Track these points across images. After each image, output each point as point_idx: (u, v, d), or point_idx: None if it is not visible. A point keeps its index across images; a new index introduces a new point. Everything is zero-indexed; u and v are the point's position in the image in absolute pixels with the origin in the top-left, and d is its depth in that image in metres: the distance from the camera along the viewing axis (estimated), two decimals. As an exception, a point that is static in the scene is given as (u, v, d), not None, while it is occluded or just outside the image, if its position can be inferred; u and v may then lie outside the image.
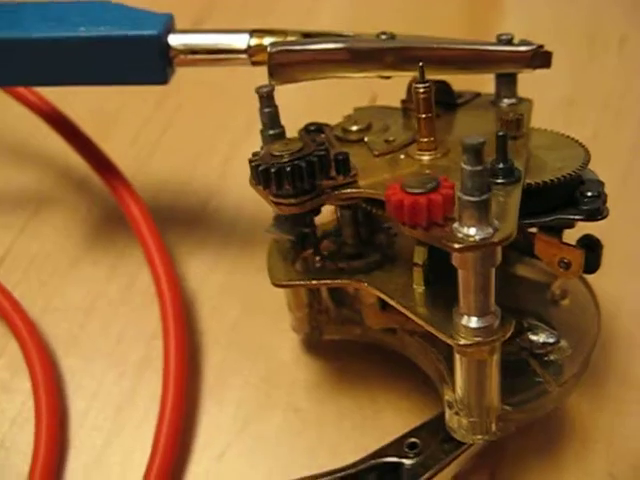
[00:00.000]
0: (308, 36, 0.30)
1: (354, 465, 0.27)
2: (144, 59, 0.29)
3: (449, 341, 0.23)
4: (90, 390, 0.32)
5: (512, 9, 0.48)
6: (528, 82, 0.30)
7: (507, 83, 0.30)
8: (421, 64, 0.25)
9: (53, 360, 0.32)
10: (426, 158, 0.27)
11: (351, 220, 0.28)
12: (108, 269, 0.35)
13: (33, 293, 0.34)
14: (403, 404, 0.30)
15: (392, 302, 0.26)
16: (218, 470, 0.29)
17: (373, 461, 0.27)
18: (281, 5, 0.48)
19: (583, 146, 0.28)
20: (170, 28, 0.30)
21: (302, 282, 0.27)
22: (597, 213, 0.26)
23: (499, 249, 0.22)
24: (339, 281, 0.27)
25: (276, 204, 0.25)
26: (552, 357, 0.27)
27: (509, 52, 0.29)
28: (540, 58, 0.29)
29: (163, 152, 0.41)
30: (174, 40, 0.29)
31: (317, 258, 0.28)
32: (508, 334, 0.24)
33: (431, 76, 0.29)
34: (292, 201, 0.25)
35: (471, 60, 0.29)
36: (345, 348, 0.32)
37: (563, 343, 0.28)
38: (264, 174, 0.24)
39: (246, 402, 0.31)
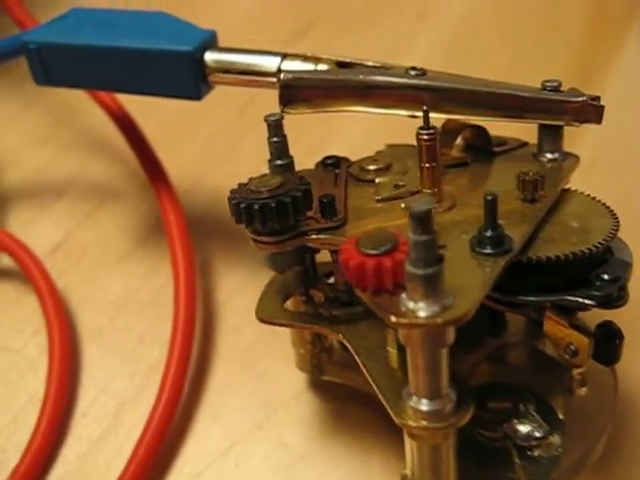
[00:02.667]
0: (342, 65, 0.28)
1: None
2: (179, 74, 0.29)
3: (396, 421, 0.22)
4: (101, 382, 0.33)
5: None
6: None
7: (551, 135, 0.27)
8: (425, 108, 0.23)
9: (76, 347, 0.34)
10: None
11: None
12: (149, 269, 0.37)
13: (77, 281, 0.36)
14: (394, 458, 0.29)
15: (357, 360, 0.24)
16: (191, 491, 0.29)
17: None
18: (385, 23, 0.47)
19: (615, 217, 0.24)
20: (209, 45, 0.30)
21: (283, 321, 0.26)
22: (609, 300, 0.23)
23: (452, 329, 0.20)
24: (317, 327, 0.26)
25: (255, 242, 0.24)
26: (536, 453, 0.24)
27: (553, 101, 0.26)
28: (590, 112, 0.26)
29: (226, 162, 0.41)
30: (210, 57, 0.29)
31: (303, 299, 0.27)
32: (464, 421, 0.21)
33: (462, 119, 0.27)
34: (270, 239, 0.24)
35: (507, 106, 0.26)
36: (348, 391, 0.31)
37: (553, 439, 0.25)
38: (246, 211, 0.24)
39: (238, 426, 0.31)
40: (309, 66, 0.28)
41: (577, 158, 0.27)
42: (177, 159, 0.38)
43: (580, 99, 0.26)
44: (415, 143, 0.27)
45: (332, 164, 0.28)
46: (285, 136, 0.26)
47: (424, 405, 0.21)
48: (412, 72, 0.27)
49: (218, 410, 0.31)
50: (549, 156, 0.27)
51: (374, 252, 0.20)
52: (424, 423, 0.21)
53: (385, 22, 0.47)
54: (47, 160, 0.42)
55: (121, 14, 0.32)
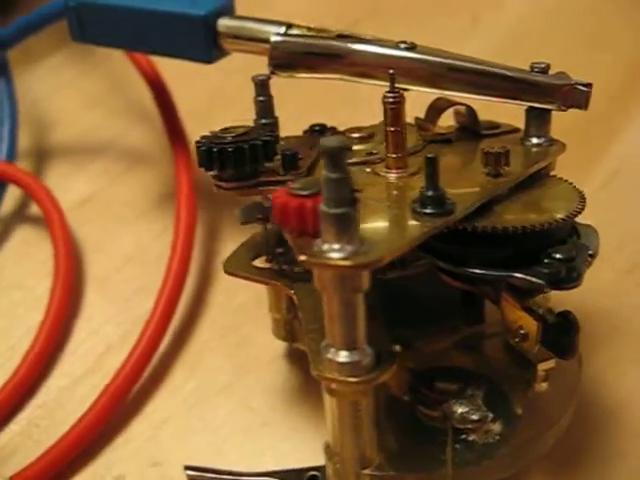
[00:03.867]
0: (341, 37, 0.29)
1: (249, 474, 0.27)
2: (193, 36, 0.31)
3: (313, 374, 0.21)
4: (95, 325, 0.34)
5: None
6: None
7: (537, 119, 0.26)
8: (392, 72, 0.23)
9: (78, 292, 0.35)
10: (392, 176, 0.24)
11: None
12: (161, 228, 0.38)
13: (94, 233, 0.38)
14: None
15: (300, 317, 0.24)
16: (153, 435, 0.30)
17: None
18: (439, 20, 0.47)
19: (582, 201, 0.23)
20: (224, 12, 0.31)
21: (245, 274, 0.27)
22: (556, 280, 0.22)
23: (365, 274, 0.20)
24: (273, 282, 0.26)
25: (216, 187, 0.25)
26: (471, 437, 0.23)
27: (538, 83, 0.25)
28: (576, 97, 0.25)
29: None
30: (222, 23, 0.31)
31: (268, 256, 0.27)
32: (382, 378, 0.21)
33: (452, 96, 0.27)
34: (229, 185, 0.25)
35: (492, 85, 0.26)
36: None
37: (493, 426, 0.24)
38: (206, 154, 0.24)
39: (209, 384, 0.31)
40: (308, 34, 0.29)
41: (563, 145, 0.26)
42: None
43: (566, 82, 0.25)
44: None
45: (318, 131, 0.28)
46: (271, 97, 0.27)
47: (340, 357, 0.21)
48: (402, 45, 0.27)
49: (194, 366, 0.32)
50: (535, 140, 0.26)
51: (300, 193, 0.20)
52: (339, 375, 0.21)
53: (438, 22, 0.47)
54: (93, 123, 0.44)
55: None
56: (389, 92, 0.24)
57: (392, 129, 0.24)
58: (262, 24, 0.30)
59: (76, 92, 0.46)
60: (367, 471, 0.22)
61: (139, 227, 0.38)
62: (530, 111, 0.26)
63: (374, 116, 0.27)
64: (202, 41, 0.31)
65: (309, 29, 0.29)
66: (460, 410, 0.24)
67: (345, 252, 0.19)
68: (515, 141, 0.27)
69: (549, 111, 0.26)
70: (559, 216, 0.22)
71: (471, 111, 0.27)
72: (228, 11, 0.31)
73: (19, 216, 0.40)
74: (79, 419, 0.29)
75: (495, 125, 0.28)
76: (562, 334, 0.23)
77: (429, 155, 0.21)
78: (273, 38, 0.27)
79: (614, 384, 0.29)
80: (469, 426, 0.23)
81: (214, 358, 0.32)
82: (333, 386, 0.21)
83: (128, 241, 0.38)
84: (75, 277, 0.36)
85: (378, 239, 0.20)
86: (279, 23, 0.30)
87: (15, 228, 0.39)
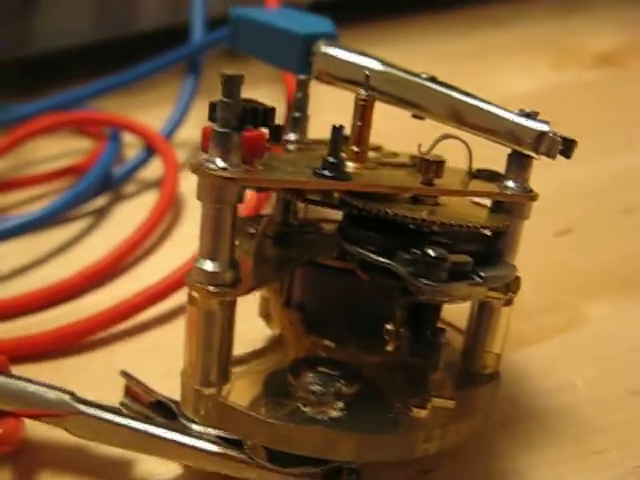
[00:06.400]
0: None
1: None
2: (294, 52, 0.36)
3: (186, 284, 0.24)
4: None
5: None
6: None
7: (515, 163, 0.26)
8: (367, 73, 0.26)
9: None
10: (350, 166, 0.26)
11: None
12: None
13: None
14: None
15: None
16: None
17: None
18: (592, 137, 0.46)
19: (481, 225, 0.23)
20: (327, 38, 0.36)
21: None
22: (414, 272, 0.22)
23: (232, 188, 0.22)
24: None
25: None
26: (306, 408, 0.24)
27: (512, 125, 0.26)
28: (549, 144, 0.25)
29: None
30: (320, 46, 0.35)
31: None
32: (240, 293, 0.23)
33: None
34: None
35: (470, 118, 0.27)
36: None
37: (334, 412, 0.24)
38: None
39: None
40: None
41: (532, 197, 0.26)
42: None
43: (539, 128, 0.25)
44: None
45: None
46: (308, 95, 0.31)
47: (203, 265, 0.23)
48: (423, 75, 0.29)
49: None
50: (509, 184, 0.26)
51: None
52: (197, 281, 0.23)
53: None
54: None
55: (302, 14, 0.40)
56: (363, 93, 0.26)
57: (359, 124, 0.26)
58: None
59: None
60: (208, 391, 0.24)
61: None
62: (511, 155, 0.26)
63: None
64: (299, 58, 0.36)
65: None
66: (309, 380, 0.24)
67: (219, 166, 0.22)
68: (491, 182, 0.27)
69: (528, 157, 0.26)
70: (445, 220, 0.23)
71: (468, 148, 0.28)
72: (333, 39, 0.36)
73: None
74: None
75: (493, 172, 0.28)
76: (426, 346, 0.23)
77: (337, 125, 0.23)
78: (319, 48, 0.32)
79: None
80: (311, 397, 0.24)
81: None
82: (194, 294, 0.24)
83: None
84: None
85: (260, 172, 0.23)
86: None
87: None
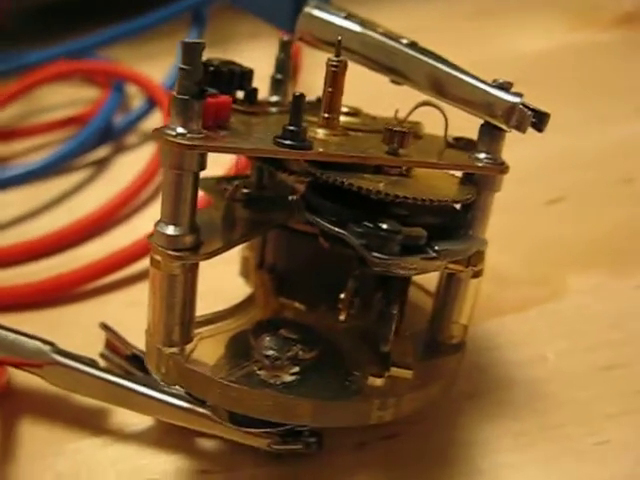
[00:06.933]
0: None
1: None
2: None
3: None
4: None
5: None
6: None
7: (487, 135, 0.26)
8: (339, 38, 0.26)
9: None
10: (320, 132, 0.26)
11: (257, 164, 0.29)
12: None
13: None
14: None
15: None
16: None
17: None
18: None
19: (438, 200, 0.23)
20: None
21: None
22: (366, 244, 0.22)
23: (191, 155, 0.23)
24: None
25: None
26: (259, 371, 0.25)
27: (485, 95, 0.25)
28: (519, 117, 0.25)
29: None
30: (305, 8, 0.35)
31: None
32: (201, 258, 0.24)
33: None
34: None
35: (445, 86, 0.26)
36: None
37: (286, 377, 0.24)
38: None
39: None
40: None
41: (502, 169, 0.25)
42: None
43: (510, 99, 0.25)
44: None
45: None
46: (290, 57, 0.31)
47: (165, 229, 0.24)
48: (404, 41, 0.29)
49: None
50: (480, 156, 0.26)
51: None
52: (159, 244, 0.24)
53: (600, 102, 0.45)
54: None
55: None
56: (334, 58, 0.26)
57: (330, 89, 0.26)
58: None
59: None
60: (169, 350, 0.25)
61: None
62: (483, 125, 0.26)
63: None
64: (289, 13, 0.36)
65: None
66: (266, 344, 0.25)
67: (178, 132, 0.22)
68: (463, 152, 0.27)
69: (499, 129, 0.26)
70: (407, 194, 0.23)
71: (444, 116, 0.28)
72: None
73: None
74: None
75: (470, 141, 0.28)
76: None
77: (297, 93, 0.23)
78: (305, 9, 0.31)
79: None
80: (265, 361, 0.24)
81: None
82: (156, 257, 0.24)
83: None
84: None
85: (220, 139, 0.23)
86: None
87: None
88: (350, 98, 0.32)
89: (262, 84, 0.29)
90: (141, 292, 0.36)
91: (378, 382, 0.25)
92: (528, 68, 0.38)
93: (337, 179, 0.23)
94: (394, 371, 0.26)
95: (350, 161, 0.24)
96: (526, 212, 0.37)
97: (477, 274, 0.27)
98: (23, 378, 0.30)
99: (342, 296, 0.25)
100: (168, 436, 0.28)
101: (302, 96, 0.23)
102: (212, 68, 0.28)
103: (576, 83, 0.45)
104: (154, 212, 0.41)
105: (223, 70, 0.28)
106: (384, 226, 0.22)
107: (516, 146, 0.27)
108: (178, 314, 0.25)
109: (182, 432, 0.27)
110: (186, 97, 0.22)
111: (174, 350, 0.25)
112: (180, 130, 0.22)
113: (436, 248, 0.23)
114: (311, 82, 0.43)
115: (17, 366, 0.29)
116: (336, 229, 0.23)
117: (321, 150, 0.24)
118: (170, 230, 0.24)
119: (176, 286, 0.24)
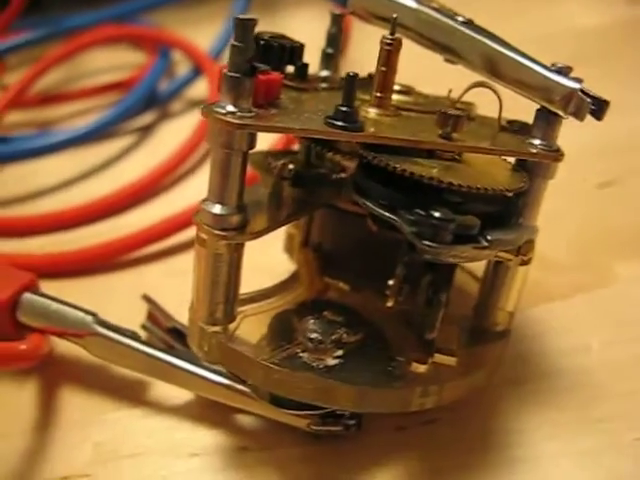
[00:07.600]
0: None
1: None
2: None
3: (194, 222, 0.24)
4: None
5: None
6: None
7: (543, 120, 0.25)
8: (395, 16, 0.25)
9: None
10: (371, 112, 0.26)
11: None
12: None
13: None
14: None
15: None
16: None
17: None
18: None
19: (500, 193, 0.23)
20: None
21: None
22: (417, 232, 0.22)
23: (240, 134, 0.22)
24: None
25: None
26: (301, 354, 0.24)
27: (542, 79, 0.24)
28: (577, 104, 0.24)
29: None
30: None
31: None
32: (247, 238, 0.24)
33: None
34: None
35: (501, 69, 0.25)
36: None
37: (329, 360, 0.24)
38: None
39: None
40: None
41: (556, 157, 0.25)
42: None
43: (568, 85, 0.24)
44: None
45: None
46: (342, 31, 0.30)
47: (210, 207, 0.23)
48: (460, 18, 0.28)
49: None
50: (535, 142, 0.25)
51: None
52: (205, 222, 0.23)
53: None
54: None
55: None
56: (388, 36, 0.25)
57: (383, 69, 0.25)
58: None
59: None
60: (211, 329, 0.25)
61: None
62: (539, 110, 0.25)
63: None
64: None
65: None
66: (310, 327, 0.25)
67: (229, 110, 0.22)
68: (520, 137, 0.26)
69: (556, 115, 0.25)
70: (462, 182, 0.22)
71: (499, 98, 0.27)
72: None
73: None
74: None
75: (525, 125, 0.27)
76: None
77: (350, 73, 0.23)
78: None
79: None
80: (309, 344, 0.24)
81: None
82: (202, 235, 0.24)
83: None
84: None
85: (270, 117, 0.22)
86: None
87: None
88: (402, 75, 0.31)
89: (309, 56, 0.29)
90: (180, 262, 0.37)
91: (421, 369, 0.25)
92: (584, 44, 0.36)
93: (389, 164, 0.22)
94: (438, 358, 0.25)
95: (401, 144, 0.23)
96: (576, 195, 0.36)
97: (526, 262, 0.26)
98: (65, 347, 0.30)
99: (390, 283, 0.24)
100: (207, 411, 0.28)
101: (355, 76, 0.23)
102: (263, 42, 0.27)
103: (634, 61, 0.43)
104: (196, 183, 0.42)
105: (274, 45, 0.27)
106: (437, 214, 0.21)
107: (570, 126, 0.26)
108: (222, 293, 0.25)
109: (221, 408, 0.28)
110: (237, 75, 0.22)
111: (217, 329, 0.25)
112: (230, 108, 0.22)
113: (488, 238, 0.22)
114: (360, 56, 0.42)
115: (59, 335, 0.29)
116: (387, 214, 0.23)
117: (373, 132, 0.23)
118: (217, 209, 0.23)
119: (221, 265, 0.24)
